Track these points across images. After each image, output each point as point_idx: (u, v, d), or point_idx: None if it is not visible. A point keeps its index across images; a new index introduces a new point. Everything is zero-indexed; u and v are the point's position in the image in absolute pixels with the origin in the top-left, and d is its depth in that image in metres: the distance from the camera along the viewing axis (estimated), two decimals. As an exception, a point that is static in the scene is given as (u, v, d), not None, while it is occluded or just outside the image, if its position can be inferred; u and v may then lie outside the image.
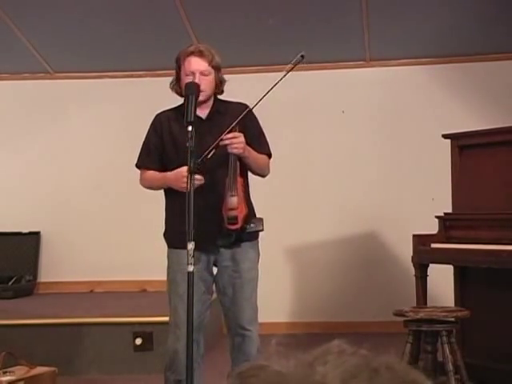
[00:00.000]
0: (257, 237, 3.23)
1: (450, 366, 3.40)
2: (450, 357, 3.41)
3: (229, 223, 3.02)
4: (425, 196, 5.53)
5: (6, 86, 6.17)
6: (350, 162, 5.88)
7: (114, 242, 5.99)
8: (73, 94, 6.17)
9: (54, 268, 6.04)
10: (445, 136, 4.23)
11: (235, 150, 3.03)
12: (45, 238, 6.08)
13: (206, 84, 3.11)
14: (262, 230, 3.20)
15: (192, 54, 3.11)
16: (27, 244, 6.02)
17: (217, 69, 3.16)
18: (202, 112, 3.18)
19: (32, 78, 6.17)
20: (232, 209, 3.02)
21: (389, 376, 0.70)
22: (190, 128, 2.88)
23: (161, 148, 3.21)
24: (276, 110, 5.21)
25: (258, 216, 3.24)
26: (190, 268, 2.77)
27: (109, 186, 6.03)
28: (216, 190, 3.08)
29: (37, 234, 6.05)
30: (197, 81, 3.07)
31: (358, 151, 5.87)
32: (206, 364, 3.29)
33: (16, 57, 5.93)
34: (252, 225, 3.12)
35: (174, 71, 3.27)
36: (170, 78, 3.28)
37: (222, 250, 3.14)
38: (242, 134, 3.05)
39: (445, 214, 4.11)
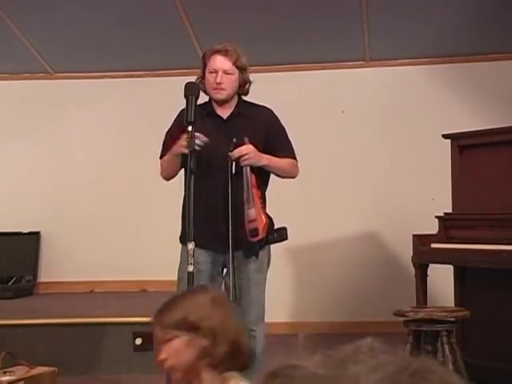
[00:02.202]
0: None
1: (450, 366, 3.40)
2: (450, 357, 3.41)
3: (250, 235, 3.03)
4: (425, 196, 5.53)
5: (6, 86, 6.17)
6: (349, 162, 5.87)
7: (114, 242, 5.99)
8: (73, 93, 6.16)
9: (54, 268, 6.03)
10: (445, 136, 4.23)
11: (246, 162, 3.03)
12: (45, 238, 6.08)
13: (228, 83, 3.12)
14: (286, 239, 3.20)
15: (218, 52, 3.13)
16: (27, 244, 6.01)
17: (241, 69, 3.16)
18: (224, 112, 3.19)
19: (32, 77, 6.16)
20: (251, 221, 3.03)
21: (433, 379, 0.68)
22: (189, 128, 2.88)
23: None
24: (276, 110, 5.19)
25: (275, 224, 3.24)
26: (190, 268, 2.78)
27: (109, 185, 6.03)
28: (231, 192, 3.08)
29: (37, 233, 6.04)
30: (219, 80, 3.09)
31: (357, 151, 5.86)
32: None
33: (16, 57, 5.92)
34: (275, 234, 3.13)
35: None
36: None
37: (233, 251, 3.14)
38: (249, 145, 3.05)
39: (445, 214, 4.11)
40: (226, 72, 3.10)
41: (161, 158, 3.29)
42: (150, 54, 5.81)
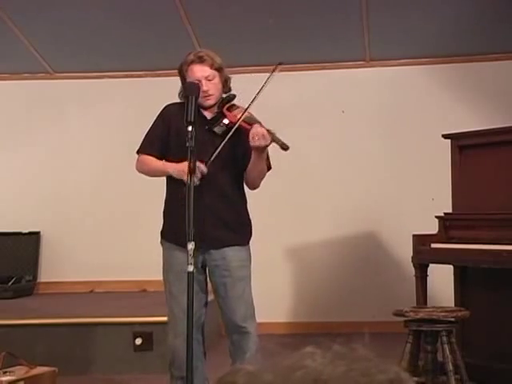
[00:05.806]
0: (248, 242, 3.24)
1: (450, 366, 3.40)
2: (450, 357, 3.41)
3: (222, 106, 3.14)
4: (425, 196, 5.53)
5: (6, 86, 6.17)
6: (349, 161, 5.88)
7: (114, 242, 5.99)
8: (73, 93, 6.17)
9: (54, 268, 6.04)
10: (445, 136, 4.23)
11: (262, 142, 3.02)
12: (45, 238, 6.08)
13: (213, 88, 3.15)
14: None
15: (192, 62, 3.13)
16: (27, 244, 6.02)
17: (220, 70, 3.17)
18: (208, 112, 3.20)
19: (32, 78, 6.17)
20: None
21: (370, 365, 0.71)
22: (189, 128, 2.88)
23: (165, 138, 3.18)
24: (276, 109, 5.21)
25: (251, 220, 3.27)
26: (190, 268, 2.78)
27: (109, 185, 6.03)
28: (215, 191, 3.09)
29: (37, 233, 6.04)
30: (205, 88, 3.10)
31: (357, 151, 5.86)
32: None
33: (16, 57, 5.93)
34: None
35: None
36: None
37: (212, 250, 3.14)
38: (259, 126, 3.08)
39: (445, 213, 4.11)
40: (207, 78, 3.12)
41: (139, 152, 3.26)
42: (150, 54, 5.81)
